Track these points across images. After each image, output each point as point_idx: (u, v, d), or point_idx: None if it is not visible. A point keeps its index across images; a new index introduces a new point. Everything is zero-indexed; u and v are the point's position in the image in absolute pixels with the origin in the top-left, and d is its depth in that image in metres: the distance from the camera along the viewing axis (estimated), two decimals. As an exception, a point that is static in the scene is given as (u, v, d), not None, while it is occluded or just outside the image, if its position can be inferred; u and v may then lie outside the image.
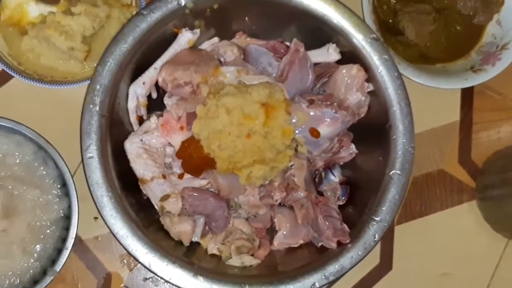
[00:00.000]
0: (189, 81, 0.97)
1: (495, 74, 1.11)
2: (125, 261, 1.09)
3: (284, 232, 1.03)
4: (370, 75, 0.99)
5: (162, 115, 1.00)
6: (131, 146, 0.99)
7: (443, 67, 1.15)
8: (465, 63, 1.15)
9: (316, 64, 1.03)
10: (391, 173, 0.97)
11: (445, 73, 1.13)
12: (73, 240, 0.98)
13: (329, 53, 1.02)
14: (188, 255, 0.99)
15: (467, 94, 1.17)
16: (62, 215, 1.00)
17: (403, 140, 0.98)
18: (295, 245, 1.04)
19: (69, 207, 1.00)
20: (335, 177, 1.05)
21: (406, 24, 1.12)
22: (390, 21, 1.15)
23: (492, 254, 1.15)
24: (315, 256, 1.00)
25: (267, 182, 1.02)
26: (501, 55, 1.12)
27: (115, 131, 0.98)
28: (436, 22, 1.14)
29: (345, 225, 1.00)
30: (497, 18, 1.15)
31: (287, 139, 0.96)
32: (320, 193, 1.06)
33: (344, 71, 1.00)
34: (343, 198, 1.05)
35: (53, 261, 0.99)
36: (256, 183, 0.99)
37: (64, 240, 0.99)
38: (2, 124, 0.99)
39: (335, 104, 0.99)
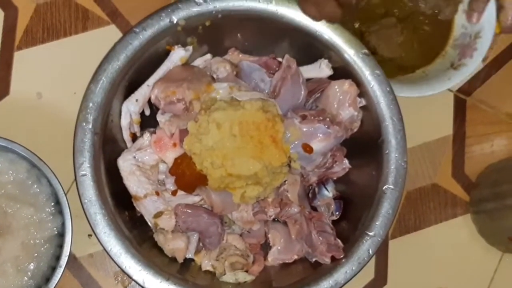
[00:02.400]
0: (182, 98, 0.97)
1: (475, 67, 1.10)
2: (119, 278, 1.08)
3: (278, 248, 1.03)
4: (362, 90, 0.99)
5: (155, 132, 1.00)
6: (124, 163, 0.99)
7: (423, 72, 1.13)
8: (444, 61, 1.14)
9: (308, 80, 1.03)
10: (384, 187, 0.97)
11: (426, 78, 1.12)
12: (67, 258, 0.98)
13: (321, 69, 1.02)
14: (182, 272, 0.98)
15: (460, 108, 1.17)
16: (56, 233, 1.00)
17: (396, 155, 0.98)
18: (289, 261, 1.03)
19: (63, 224, 0.99)
20: (328, 192, 1.05)
21: (376, 43, 1.11)
22: None
23: (487, 267, 1.15)
24: (309, 271, 1.00)
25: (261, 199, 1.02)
26: (476, 44, 1.10)
27: (108, 148, 0.98)
28: (404, 31, 1.12)
29: (339, 240, 1.00)
30: (462, 9, 1.13)
31: (284, 158, 0.97)
32: (314, 208, 1.06)
33: (336, 86, 1.00)
34: (337, 213, 1.05)
35: (47, 279, 0.98)
36: (249, 202, 0.99)
37: (58, 258, 0.99)
38: (-5, 142, 0.99)
39: (328, 119, 0.99)
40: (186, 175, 0.97)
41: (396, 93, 1.02)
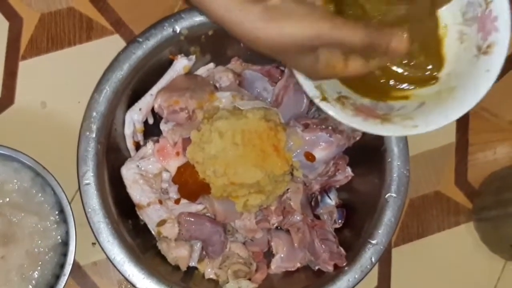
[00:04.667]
0: (185, 107, 0.98)
1: (508, 39, 0.82)
2: (123, 286, 1.09)
3: (281, 256, 1.03)
4: (364, 99, 1.00)
5: (158, 141, 1.01)
6: (128, 172, 0.99)
7: (447, 75, 0.88)
8: (467, 46, 0.87)
9: (310, 89, 1.04)
10: (386, 195, 0.98)
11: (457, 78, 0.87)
12: (71, 266, 0.98)
13: (324, 78, 1.03)
14: (185, 280, 0.99)
15: (463, 116, 1.16)
16: (60, 241, 1.01)
17: (398, 163, 0.98)
18: (292, 269, 1.04)
19: (67, 233, 1.00)
20: (331, 200, 1.05)
21: None
22: None
23: (490, 275, 1.15)
24: (312, 279, 1.00)
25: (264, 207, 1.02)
26: (492, 11, 0.84)
27: (112, 157, 0.99)
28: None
29: (341, 249, 1.00)
30: None
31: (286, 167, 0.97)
32: (317, 217, 1.06)
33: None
34: (340, 221, 1.05)
35: (51, 287, 0.99)
36: (252, 211, 1.00)
37: (62, 266, 0.99)
38: (0, 151, 0.99)
39: (330, 128, 1.00)
40: (189, 183, 0.97)
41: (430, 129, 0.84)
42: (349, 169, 1.05)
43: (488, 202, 1.11)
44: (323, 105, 0.84)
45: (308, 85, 0.85)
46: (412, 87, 0.88)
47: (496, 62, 0.83)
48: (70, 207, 0.99)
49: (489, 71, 0.83)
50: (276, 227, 1.05)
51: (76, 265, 1.07)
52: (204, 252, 1.03)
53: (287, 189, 1.02)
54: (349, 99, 0.86)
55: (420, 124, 0.83)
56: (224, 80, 1.03)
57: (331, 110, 0.83)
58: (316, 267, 1.01)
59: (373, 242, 0.97)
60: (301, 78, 0.83)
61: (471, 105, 0.82)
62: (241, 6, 0.67)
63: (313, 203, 1.06)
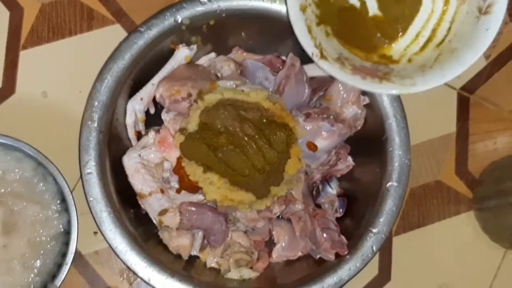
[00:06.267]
0: (187, 97, 0.98)
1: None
2: (125, 275, 1.09)
3: (283, 245, 1.04)
4: (365, 88, 1.00)
5: (159, 131, 1.01)
6: (129, 162, 1.00)
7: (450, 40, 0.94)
8: (470, 9, 0.93)
9: (312, 78, 1.04)
10: (388, 185, 0.98)
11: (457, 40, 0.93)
12: (73, 255, 0.98)
13: (325, 67, 1.03)
14: (187, 269, 0.99)
15: (463, 106, 1.17)
16: (62, 230, 1.01)
17: (400, 152, 0.98)
18: (294, 258, 1.04)
19: (69, 222, 1.00)
20: (332, 190, 1.06)
21: None
22: None
23: (490, 264, 1.15)
24: (313, 268, 1.00)
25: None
26: None
27: (114, 146, 0.99)
28: None
29: (343, 237, 1.00)
30: None
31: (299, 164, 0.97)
32: (318, 206, 1.06)
33: (340, 84, 1.01)
34: (341, 210, 1.06)
35: (54, 276, 0.99)
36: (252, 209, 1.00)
37: (64, 255, 0.99)
38: (2, 141, 0.99)
39: (332, 117, 1.00)
40: (188, 176, 0.97)
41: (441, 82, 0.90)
42: (350, 159, 1.05)
43: (489, 191, 1.11)
44: (321, 63, 0.89)
45: (307, 42, 0.87)
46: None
47: (496, 20, 0.89)
48: (72, 196, 0.99)
49: (489, 29, 0.89)
50: (278, 216, 1.05)
51: (78, 254, 1.08)
52: (205, 241, 1.03)
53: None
54: (349, 60, 0.88)
55: (418, 83, 0.89)
56: (225, 69, 1.03)
57: (330, 68, 0.89)
58: (318, 256, 1.01)
59: (374, 231, 0.97)
60: (299, 34, 0.84)
61: (470, 63, 0.89)
62: None
63: (314, 193, 1.06)
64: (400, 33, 0.99)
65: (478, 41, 0.90)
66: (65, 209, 1.00)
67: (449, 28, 0.96)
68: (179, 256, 1.01)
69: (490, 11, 0.91)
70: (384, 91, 0.92)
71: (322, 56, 0.89)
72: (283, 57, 1.06)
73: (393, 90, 0.91)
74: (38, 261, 0.99)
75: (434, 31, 0.98)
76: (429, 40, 0.97)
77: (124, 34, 1.10)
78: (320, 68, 0.90)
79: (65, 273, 0.98)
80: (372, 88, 0.90)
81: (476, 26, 0.92)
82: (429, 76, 0.90)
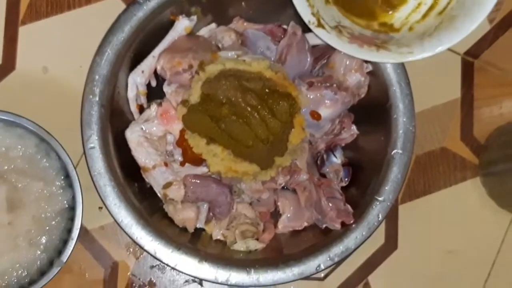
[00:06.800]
0: (188, 68, 0.97)
1: None
2: (131, 249, 1.09)
3: (288, 215, 1.03)
4: (368, 55, 0.99)
5: (161, 104, 1.00)
6: (132, 135, 0.99)
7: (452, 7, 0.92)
8: None
9: (314, 46, 1.03)
10: (393, 152, 0.98)
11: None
12: (78, 231, 0.98)
13: (327, 35, 1.02)
14: (193, 242, 0.99)
15: (468, 71, 1.16)
16: (67, 206, 1.01)
17: (404, 119, 0.98)
18: (300, 228, 1.04)
19: (73, 198, 0.99)
20: (337, 159, 1.05)
21: None
22: None
23: (497, 229, 1.15)
24: (319, 238, 1.00)
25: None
26: None
27: (116, 120, 0.98)
28: None
29: (348, 206, 1.00)
30: None
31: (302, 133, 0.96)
32: (323, 175, 1.06)
33: (342, 52, 1.00)
34: (346, 179, 1.05)
35: (60, 252, 0.99)
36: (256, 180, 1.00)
37: (69, 231, 0.99)
38: (3, 117, 0.99)
39: (335, 85, 0.99)
40: (192, 149, 0.96)
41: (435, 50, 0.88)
42: (354, 127, 1.04)
43: (495, 156, 1.11)
44: (318, 32, 0.89)
45: (304, 10, 0.87)
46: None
47: None
48: (76, 172, 0.98)
49: None
50: (283, 187, 1.04)
51: (83, 230, 1.08)
52: (211, 214, 1.03)
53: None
54: (347, 28, 0.88)
55: (415, 51, 0.88)
56: (226, 40, 1.02)
57: (326, 36, 0.89)
58: (324, 226, 1.01)
59: (380, 199, 0.97)
60: (297, 2, 0.84)
61: (468, 31, 0.87)
62: None
63: (319, 162, 1.06)
64: (402, 1, 0.98)
65: (477, 9, 0.88)
66: (69, 184, 1.00)
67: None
68: (184, 229, 1.01)
69: None
70: (381, 60, 0.91)
71: (319, 25, 0.89)
72: (284, 26, 1.04)
73: (390, 58, 0.90)
74: (44, 237, 0.99)
75: None
76: (431, 8, 0.95)
77: (122, 6, 1.09)
78: (317, 36, 0.89)
79: (71, 248, 0.98)
80: (369, 57, 0.90)
81: None
82: (426, 44, 0.89)
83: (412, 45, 0.89)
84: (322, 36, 0.89)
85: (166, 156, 1.01)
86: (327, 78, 1.00)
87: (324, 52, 1.03)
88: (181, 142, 0.99)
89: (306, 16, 0.89)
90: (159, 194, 1.02)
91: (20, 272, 0.99)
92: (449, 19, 0.91)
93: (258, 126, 0.91)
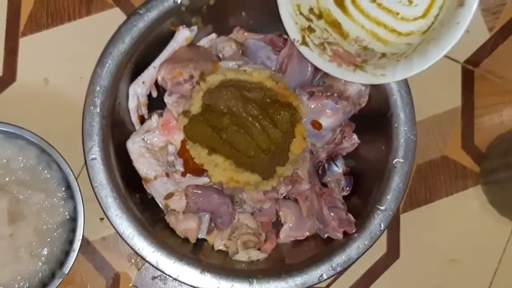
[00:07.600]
0: (189, 79, 0.97)
1: None
2: (133, 260, 1.09)
3: (290, 225, 1.03)
4: (369, 65, 0.99)
5: (162, 114, 1.00)
6: (133, 146, 0.99)
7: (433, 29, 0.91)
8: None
9: (314, 56, 1.03)
10: (394, 161, 0.98)
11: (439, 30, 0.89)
12: (80, 242, 0.98)
13: (327, 45, 1.02)
14: (195, 252, 0.99)
15: (468, 79, 1.16)
16: (68, 217, 1.00)
17: (405, 128, 0.98)
18: (301, 238, 1.04)
19: (75, 209, 0.99)
20: (338, 168, 1.05)
21: None
22: None
23: (499, 238, 1.15)
24: (321, 247, 1.00)
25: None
26: None
27: (117, 131, 0.98)
28: None
29: (350, 215, 1.00)
30: None
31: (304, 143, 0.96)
32: (324, 185, 1.06)
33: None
34: (347, 188, 1.05)
35: (61, 264, 0.99)
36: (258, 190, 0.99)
37: (71, 242, 0.99)
38: (4, 129, 0.99)
39: (335, 95, 0.99)
40: (193, 159, 0.96)
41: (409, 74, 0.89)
42: (355, 136, 1.04)
43: (496, 164, 1.11)
44: (301, 49, 0.93)
45: (291, 27, 0.90)
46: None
47: (467, 13, 0.83)
48: (77, 183, 0.98)
49: (459, 23, 0.84)
50: (284, 197, 1.04)
51: (85, 241, 1.08)
52: (212, 224, 1.03)
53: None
54: (333, 45, 0.89)
55: (388, 74, 0.89)
56: (227, 50, 1.02)
57: (308, 54, 0.93)
58: (325, 235, 1.01)
59: (382, 208, 0.97)
60: (285, 19, 0.86)
61: (434, 60, 0.86)
62: None
63: (320, 172, 1.06)
64: None
65: (447, 35, 0.85)
66: (71, 196, 1.00)
67: (437, 15, 0.91)
68: (186, 240, 1.01)
69: (463, 3, 0.85)
70: (355, 80, 0.93)
71: (303, 42, 0.93)
72: (285, 36, 1.04)
73: (363, 80, 0.92)
74: (46, 249, 0.99)
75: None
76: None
77: (123, 17, 1.09)
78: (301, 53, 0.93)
79: (73, 260, 0.98)
80: (344, 76, 0.92)
81: (453, 17, 0.86)
82: (398, 68, 0.89)
83: (387, 68, 0.90)
84: (304, 53, 0.93)
85: (167, 167, 1.01)
86: (328, 88, 1.01)
87: (324, 62, 1.03)
88: (183, 152, 0.99)
89: (293, 33, 0.93)
90: (160, 205, 1.02)
91: (21, 284, 0.98)
92: (427, 42, 0.89)
93: (259, 136, 0.91)
